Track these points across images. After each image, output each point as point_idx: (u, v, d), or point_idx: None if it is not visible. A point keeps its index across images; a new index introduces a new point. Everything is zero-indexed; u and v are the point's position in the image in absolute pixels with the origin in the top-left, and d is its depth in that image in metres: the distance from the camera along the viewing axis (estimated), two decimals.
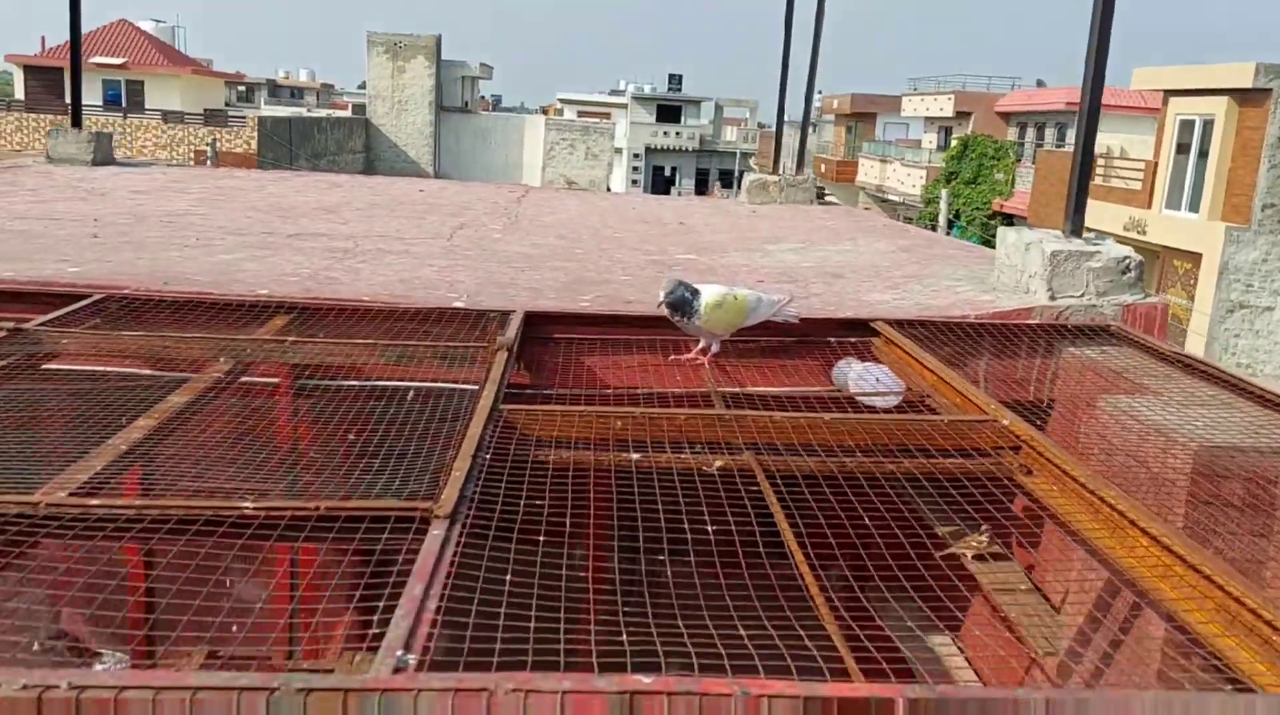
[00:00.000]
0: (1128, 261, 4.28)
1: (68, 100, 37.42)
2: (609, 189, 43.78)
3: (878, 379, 3.69)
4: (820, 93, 53.40)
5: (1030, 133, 35.70)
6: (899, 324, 4.05)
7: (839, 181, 46.39)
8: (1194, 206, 20.75)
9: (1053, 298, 4.29)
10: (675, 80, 60.02)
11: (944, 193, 32.26)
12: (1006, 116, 37.16)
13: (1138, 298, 4.30)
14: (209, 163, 30.05)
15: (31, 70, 39.12)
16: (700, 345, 3.90)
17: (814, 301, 4.41)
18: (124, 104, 38.26)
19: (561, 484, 2.50)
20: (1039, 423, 3.40)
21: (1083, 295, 4.29)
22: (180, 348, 3.26)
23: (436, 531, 1.88)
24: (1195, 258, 20.24)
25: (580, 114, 53.81)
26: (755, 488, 2.55)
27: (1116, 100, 32.00)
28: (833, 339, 4.06)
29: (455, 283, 4.43)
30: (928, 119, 42.22)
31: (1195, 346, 16.33)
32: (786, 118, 9.08)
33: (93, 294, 3.76)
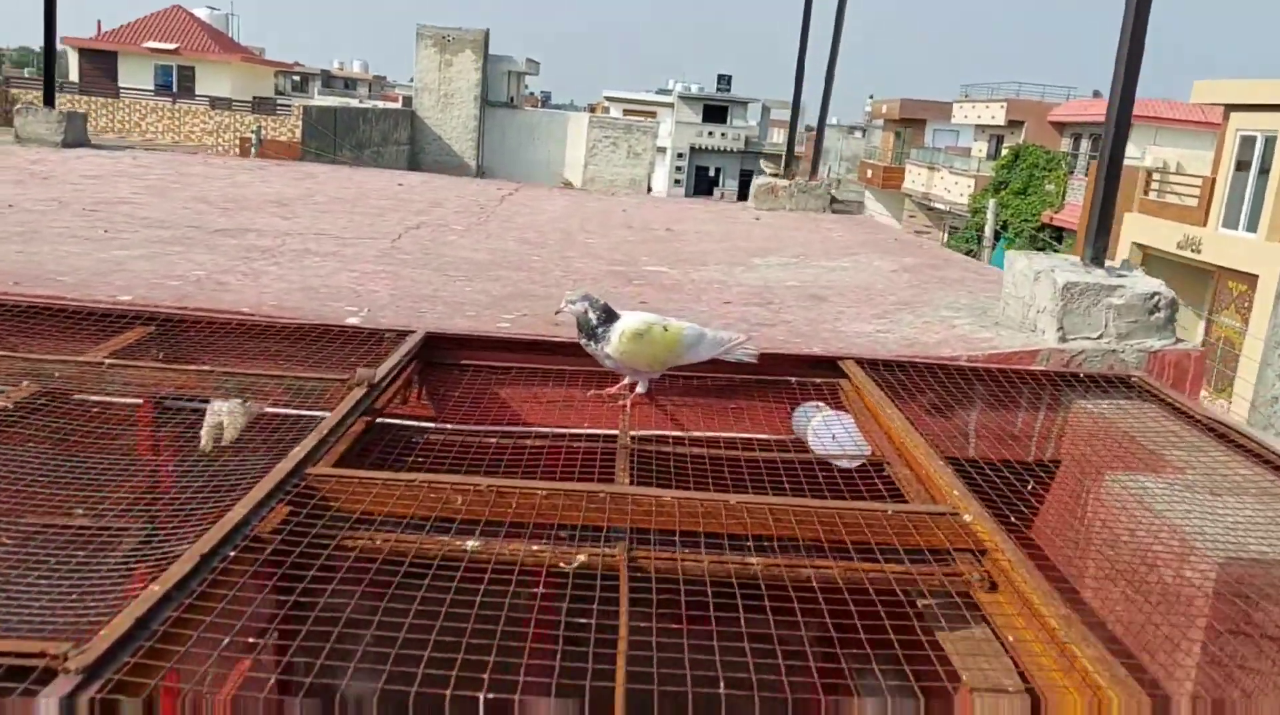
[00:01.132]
0: (1157, 298, 3.57)
1: (120, 83, 37.63)
2: (649, 189, 43.24)
3: (835, 435, 3.03)
4: (870, 97, 52.38)
5: (1084, 144, 34.54)
6: (872, 365, 3.39)
7: (885, 187, 45.41)
8: (1252, 225, 19.70)
9: (1063, 339, 3.59)
10: (724, 81, 59.31)
11: (991, 202, 31.27)
12: (1060, 126, 36.03)
13: (1167, 343, 3.59)
14: (253, 150, 29.97)
15: (86, 53, 39.47)
16: (624, 380, 3.26)
17: (780, 331, 3.75)
18: (175, 89, 38.45)
19: (353, 582, 1.89)
20: (1024, 504, 2.73)
21: (1100, 337, 3.58)
22: None
23: (50, 698, 1.27)
24: (1251, 279, 19.22)
25: (626, 112, 53.37)
26: (615, 594, 1.92)
27: (1174, 114, 30.79)
28: (794, 379, 3.40)
29: (366, 293, 3.84)
30: (978, 126, 41.14)
31: (1249, 373, 15.33)
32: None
33: None
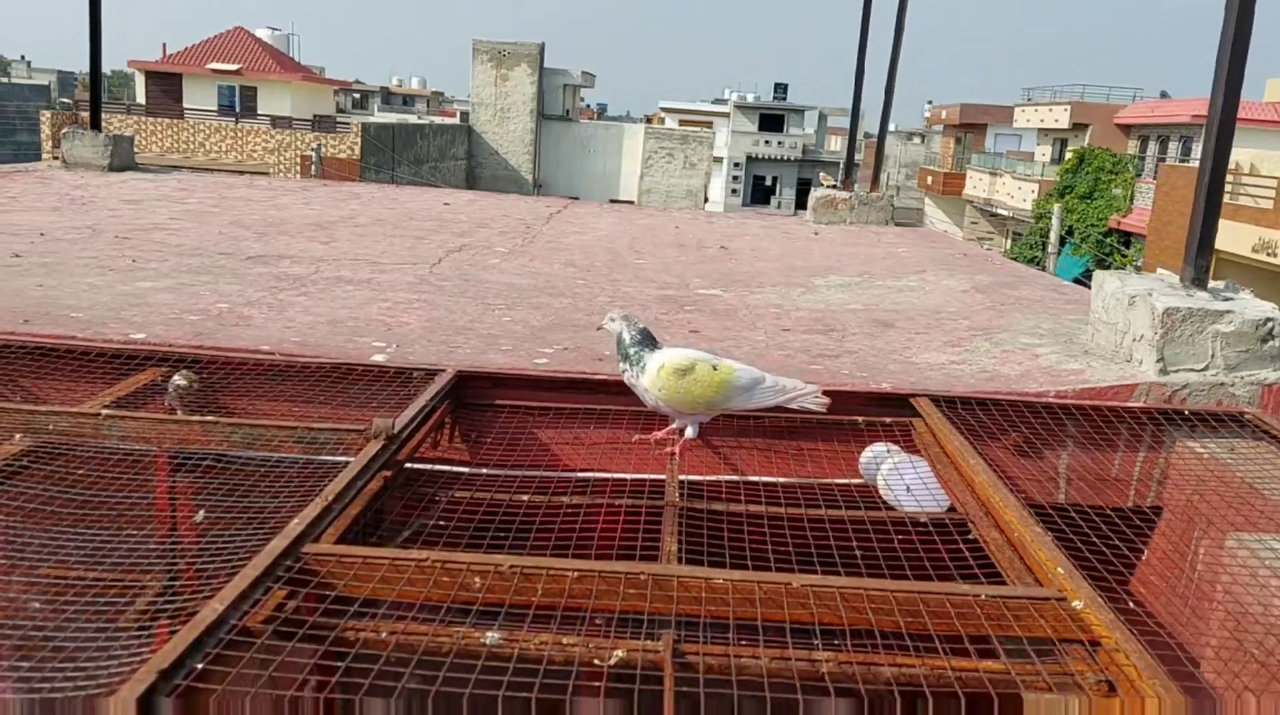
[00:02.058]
0: (1271, 325, 3.17)
1: (185, 104, 38.43)
2: (706, 199, 42.91)
3: (909, 486, 2.69)
4: (929, 102, 51.49)
5: (1152, 146, 33.50)
6: (948, 402, 3.04)
7: (946, 194, 44.57)
8: None
9: (1164, 371, 3.20)
10: (780, 89, 58.84)
11: (1056, 208, 30.43)
12: (1127, 129, 35.01)
13: None
14: (314, 168, 30.33)
15: (152, 75, 40.35)
16: (674, 424, 2.95)
17: (844, 362, 3.42)
18: (237, 109, 39.15)
19: (359, 677, 1.61)
20: (1126, 572, 2.37)
21: (1206, 369, 3.19)
22: None
23: None
24: None
25: (682, 123, 53.21)
26: (658, 697, 1.62)
27: (1246, 113, 29.64)
28: (861, 419, 3.07)
29: (396, 326, 3.59)
30: (1041, 130, 40.17)
31: None
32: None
33: None
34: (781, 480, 2.82)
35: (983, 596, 1.83)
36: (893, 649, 1.77)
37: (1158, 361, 3.19)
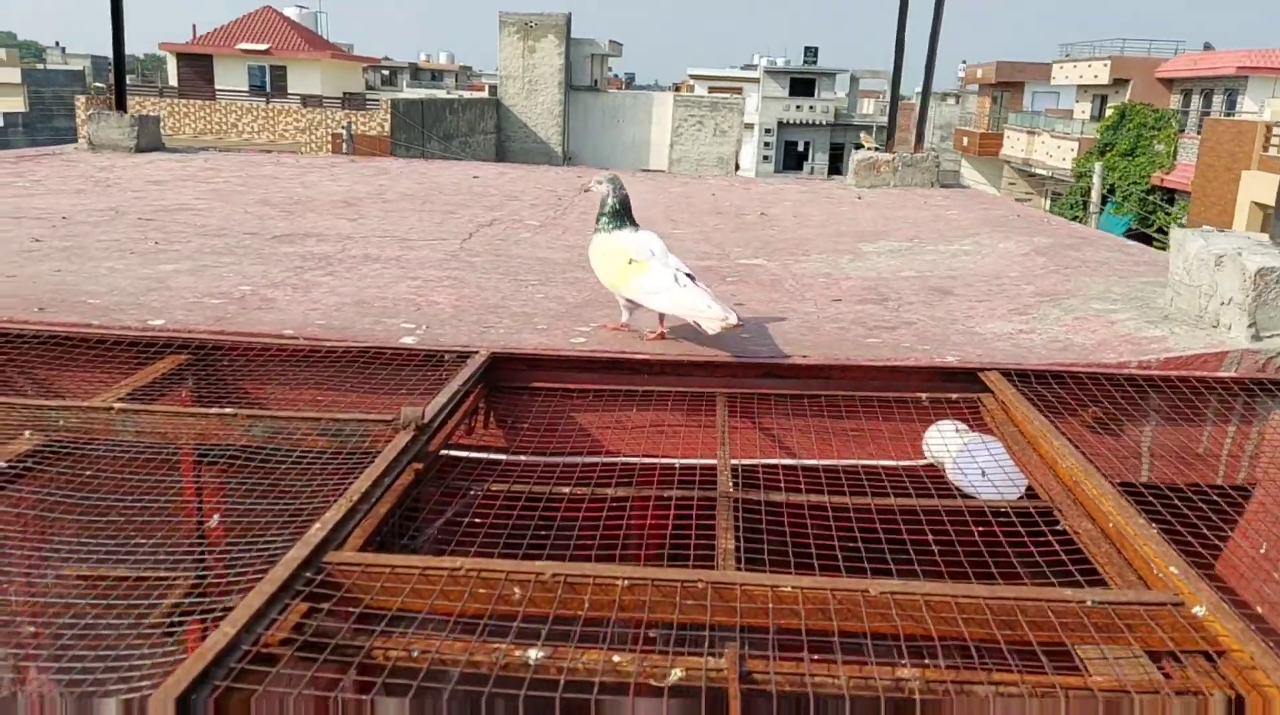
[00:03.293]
0: None
1: (216, 85, 38.57)
2: (737, 167, 42.42)
3: (984, 470, 2.47)
4: (964, 62, 50.39)
5: (1196, 100, 32.52)
6: (1021, 376, 2.80)
7: (982, 155, 43.68)
8: None
9: (1257, 337, 2.94)
10: (811, 53, 57.84)
11: (1097, 166, 29.67)
12: (1169, 83, 34.01)
13: None
14: (345, 146, 30.27)
15: (183, 58, 40.41)
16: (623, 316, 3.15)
17: (903, 334, 3.19)
18: (267, 88, 39.15)
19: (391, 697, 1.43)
20: (1211, 556, 2.14)
21: None
22: None
23: None
24: None
25: (711, 90, 52.62)
26: None
27: None
28: (924, 395, 2.84)
29: (426, 305, 3.41)
30: (1080, 87, 39.14)
31: None
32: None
33: None
34: (841, 463, 2.61)
35: (1089, 603, 1.61)
36: (988, 663, 1.57)
37: (1249, 327, 2.93)
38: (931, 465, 2.76)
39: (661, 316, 3.07)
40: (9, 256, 3.84)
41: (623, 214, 3.12)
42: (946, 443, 2.70)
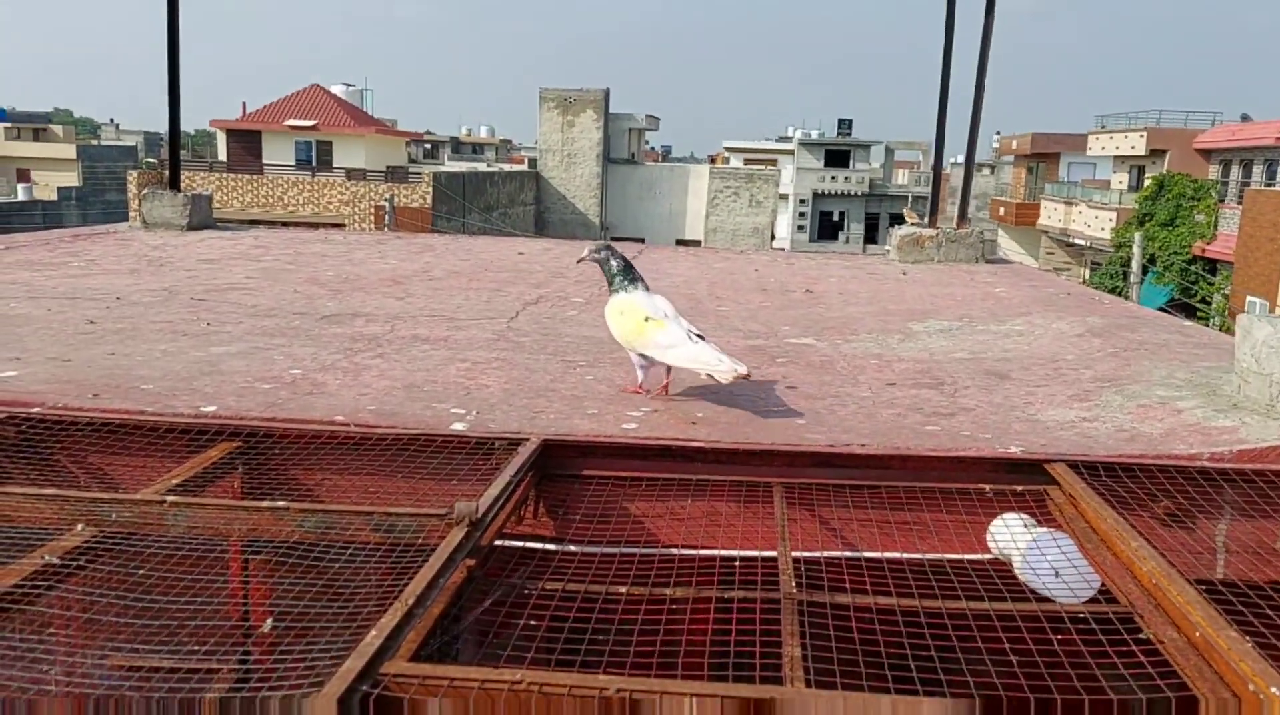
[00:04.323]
0: None
1: (264, 160, 39.69)
2: (773, 237, 42.64)
3: (1057, 570, 2.37)
4: (998, 133, 50.66)
5: (1235, 171, 32.35)
6: (1089, 468, 2.71)
7: (1019, 225, 43.64)
8: None
9: None
10: (845, 125, 58.49)
11: (1137, 236, 29.45)
12: (1207, 154, 33.90)
13: None
14: (387, 218, 30.87)
15: (232, 134, 41.66)
16: (638, 375, 3.35)
17: (961, 421, 3.11)
18: (313, 163, 40.19)
19: None
20: None
21: None
22: (22, 510, 2.32)
23: None
24: None
25: (746, 161, 53.26)
26: None
27: None
28: (988, 487, 2.76)
29: (476, 389, 3.39)
30: (1117, 158, 39.13)
31: None
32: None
33: None
34: (904, 557, 2.52)
35: None
36: None
37: None
38: (997, 560, 2.66)
39: (669, 372, 3.37)
40: (65, 339, 3.89)
41: (633, 275, 3.38)
42: (1014, 537, 2.60)
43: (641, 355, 3.27)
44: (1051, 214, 41.07)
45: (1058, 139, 44.00)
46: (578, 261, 3.51)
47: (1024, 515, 2.72)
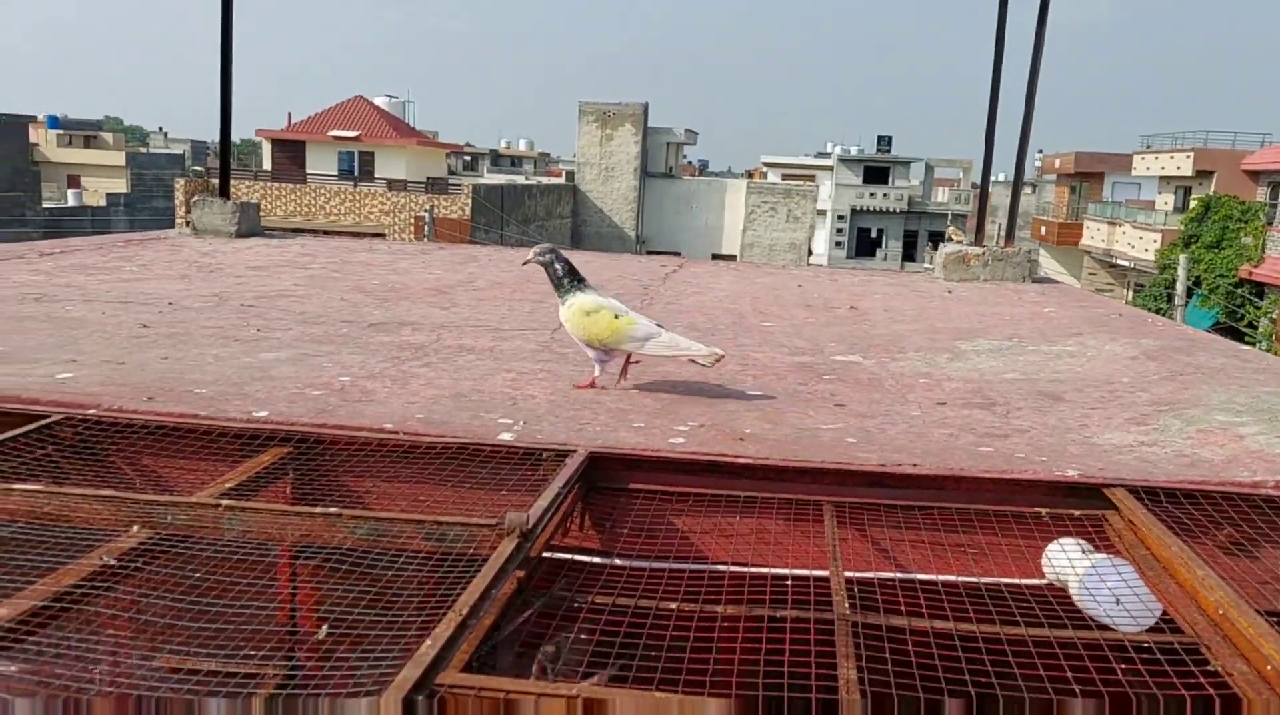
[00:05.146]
0: None
1: (308, 169, 40.24)
2: (810, 253, 42.49)
3: (1118, 597, 2.32)
4: (1040, 152, 50.19)
5: None
6: (1150, 494, 2.65)
7: (1060, 244, 43.17)
8: None
9: None
10: (884, 142, 58.28)
11: (1182, 258, 29.00)
12: (1255, 175, 33.38)
13: None
14: (427, 229, 31.16)
15: (277, 143, 42.31)
16: (594, 370, 3.52)
17: (1015, 443, 3.06)
18: (355, 173, 40.68)
19: None
20: None
21: None
22: (80, 510, 2.35)
23: None
24: None
25: (784, 177, 53.19)
26: None
27: None
28: (1044, 511, 2.71)
29: (522, 399, 3.39)
30: (1163, 178, 38.62)
31: None
32: (1001, 176, 7.67)
33: (51, 414, 2.96)
34: (959, 580, 2.48)
35: None
36: None
37: None
38: (1053, 585, 2.61)
39: (626, 365, 3.57)
40: (120, 342, 3.95)
41: (579, 277, 3.52)
42: (1071, 562, 2.55)
43: (602, 351, 3.45)
44: (1095, 234, 40.59)
45: (1102, 158, 43.52)
46: (524, 263, 3.63)
47: (1081, 540, 2.66)
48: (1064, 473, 2.78)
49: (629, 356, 3.55)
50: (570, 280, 3.50)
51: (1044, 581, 2.62)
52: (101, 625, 2.27)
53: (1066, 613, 2.33)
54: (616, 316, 3.41)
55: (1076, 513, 2.69)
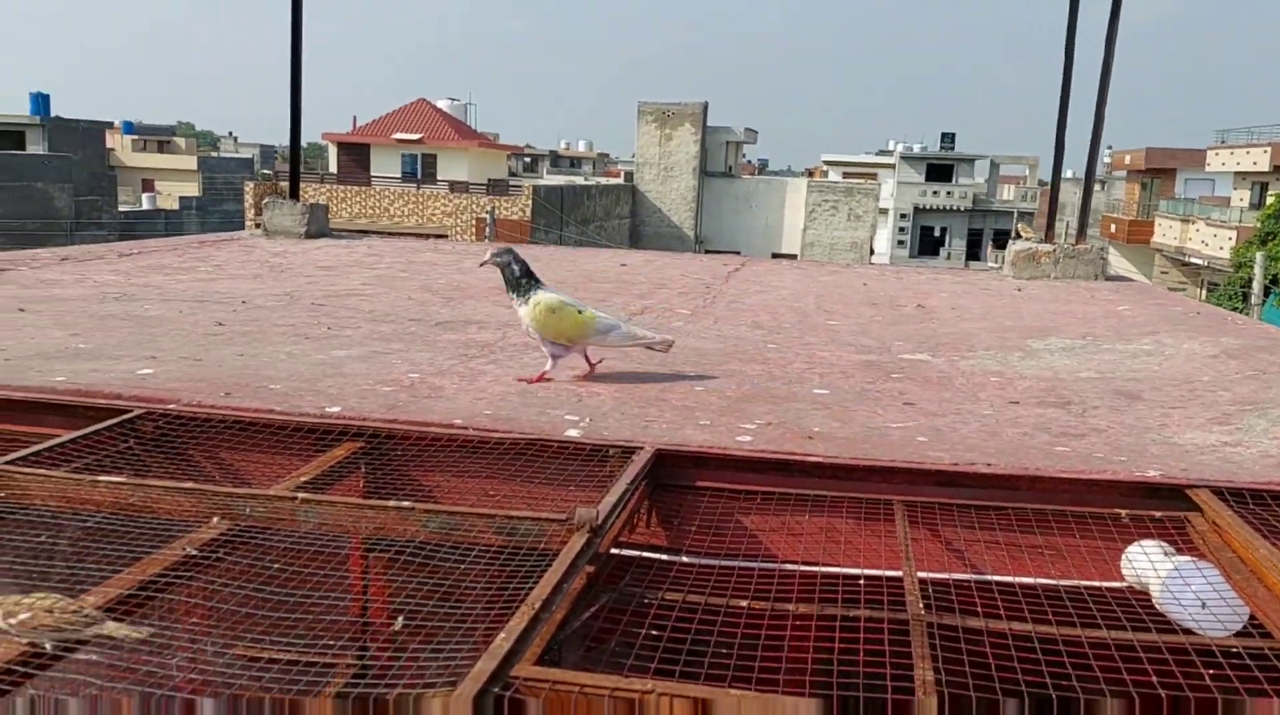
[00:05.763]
0: None
1: (372, 172, 40.89)
2: (871, 252, 42.01)
3: (1202, 600, 2.25)
4: (1109, 147, 49.00)
5: None
6: (1236, 495, 2.57)
7: (1131, 242, 42.10)
8: None
9: None
10: (948, 139, 57.40)
11: (1259, 256, 28.04)
12: None
13: None
14: (488, 230, 31.48)
15: (343, 147, 43.05)
16: (547, 365, 3.58)
17: (1093, 443, 2.98)
18: (418, 175, 41.24)
19: None
20: None
21: None
22: (163, 502, 2.41)
23: None
24: None
25: (845, 175, 52.67)
26: None
27: None
28: (1124, 512, 2.64)
29: (588, 396, 3.40)
30: (1238, 174, 37.47)
31: None
32: (1071, 173, 7.51)
33: (132, 409, 3.04)
34: (1037, 582, 2.43)
35: None
36: None
37: None
38: (1133, 588, 2.54)
39: (590, 362, 3.67)
40: (197, 339, 4.05)
41: (536, 276, 3.60)
42: (1153, 565, 2.47)
43: (563, 346, 3.55)
44: (1166, 232, 39.52)
45: (1174, 154, 42.37)
46: (480, 264, 3.66)
47: (1162, 542, 2.59)
48: (1144, 473, 2.70)
49: (585, 351, 3.67)
50: (528, 280, 3.55)
51: (1124, 584, 2.56)
52: (186, 614, 2.33)
53: (1150, 616, 2.26)
54: (580, 312, 3.51)
55: (1157, 514, 2.62)
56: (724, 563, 2.50)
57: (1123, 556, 2.60)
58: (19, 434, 2.98)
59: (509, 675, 1.61)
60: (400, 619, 2.14)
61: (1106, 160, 49.14)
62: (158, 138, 58.83)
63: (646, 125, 39.53)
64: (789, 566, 2.52)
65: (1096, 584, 2.50)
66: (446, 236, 32.12)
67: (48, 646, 1.84)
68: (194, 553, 2.23)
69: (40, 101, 42.86)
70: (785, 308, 5.62)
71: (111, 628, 1.93)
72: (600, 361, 3.72)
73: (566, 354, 3.60)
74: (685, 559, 2.57)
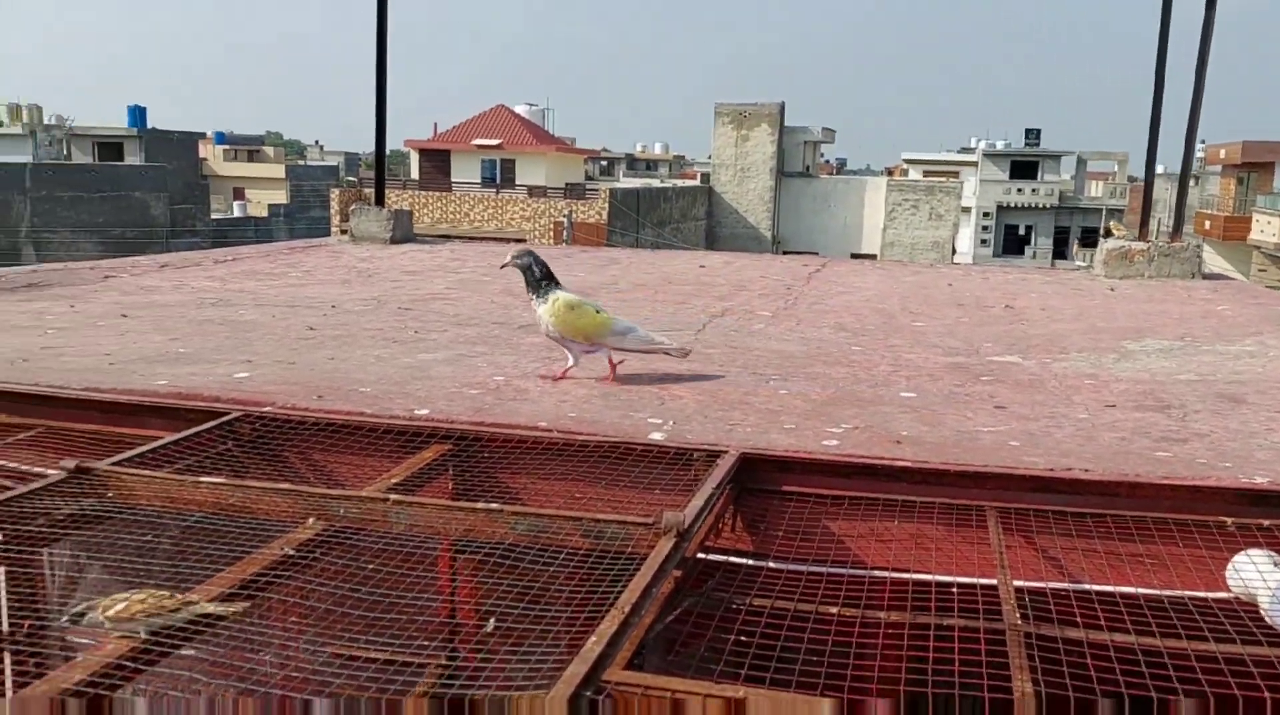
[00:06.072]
0: None
1: (452, 178, 41.50)
2: (954, 252, 41.19)
3: None
4: (1203, 142, 47.25)
5: None
6: None
7: (1226, 239, 40.51)
8: None
9: None
10: (1032, 135, 55.97)
11: None
12: None
13: None
14: (565, 233, 31.78)
15: (424, 153, 43.83)
16: (569, 362, 3.62)
17: (1195, 448, 2.87)
18: (497, 180, 41.77)
19: None
20: None
21: None
22: (260, 503, 2.48)
23: None
24: None
25: (926, 174, 51.75)
26: None
27: None
28: (1229, 520, 2.53)
29: (670, 399, 3.40)
30: None
31: None
32: (1163, 168, 7.26)
33: (230, 412, 3.14)
34: (1140, 592, 2.34)
35: None
36: None
37: None
38: (1240, 598, 2.44)
39: (614, 365, 3.67)
40: (290, 343, 4.16)
41: (555, 278, 3.63)
42: (1261, 575, 2.37)
43: (586, 344, 3.58)
44: (1264, 228, 37.92)
45: (1272, 148, 40.62)
46: (501, 266, 3.70)
47: (1271, 552, 2.48)
48: (1251, 480, 2.60)
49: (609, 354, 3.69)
50: (548, 282, 3.59)
51: (1230, 595, 2.46)
52: (284, 613, 2.39)
53: (1261, 629, 2.17)
54: (597, 311, 3.58)
55: (1266, 522, 2.51)
56: (811, 568, 2.47)
57: (1229, 566, 2.50)
58: (124, 435, 3.10)
59: (600, 679, 1.62)
60: (492, 620, 2.17)
61: (1200, 155, 47.36)
62: (248, 147, 60.69)
63: (723, 126, 39.39)
64: (878, 573, 2.49)
65: (1202, 594, 2.40)
66: (525, 240, 32.48)
67: (142, 633, 1.89)
68: (291, 552, 2.29)
69: (137, 114, 44.62)
70: (869, 309, 5.54)
71: (205, 607, 1.98)
72: (622, 361, 3.72)
73: (586, 353, 3.64)
74: (772, 564, 2.55)
